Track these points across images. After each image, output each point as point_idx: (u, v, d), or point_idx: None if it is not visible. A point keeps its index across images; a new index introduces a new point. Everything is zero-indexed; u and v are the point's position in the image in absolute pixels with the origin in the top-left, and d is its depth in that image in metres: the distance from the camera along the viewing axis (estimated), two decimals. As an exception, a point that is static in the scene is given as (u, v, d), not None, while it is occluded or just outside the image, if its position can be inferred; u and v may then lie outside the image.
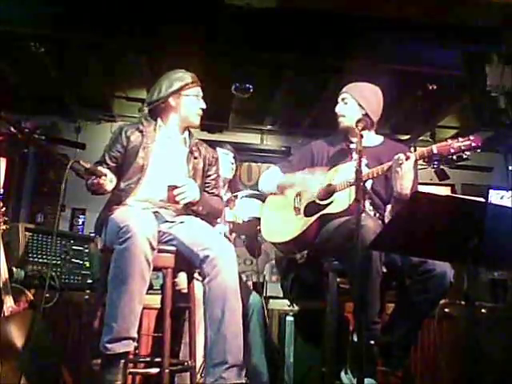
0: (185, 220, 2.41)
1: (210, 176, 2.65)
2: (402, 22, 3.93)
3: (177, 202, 2.35)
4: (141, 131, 2.50)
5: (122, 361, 2.05)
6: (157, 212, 2.40)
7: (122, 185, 2.41)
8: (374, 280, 2.22)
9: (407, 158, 2.34)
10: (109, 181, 2.28)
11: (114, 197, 2.43)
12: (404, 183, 2.34)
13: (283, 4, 3.74)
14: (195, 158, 2.57)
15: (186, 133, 2.62)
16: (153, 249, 2.12)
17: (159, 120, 2.57)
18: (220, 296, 2.10)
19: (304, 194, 2.71)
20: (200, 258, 2.17)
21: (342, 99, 2.74)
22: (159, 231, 2.29)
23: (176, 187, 2.34)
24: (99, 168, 2.28)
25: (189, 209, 2.45)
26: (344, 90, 2.77)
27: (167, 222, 2.41)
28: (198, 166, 2.57)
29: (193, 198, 2.39)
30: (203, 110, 2.59)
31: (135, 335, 2.10)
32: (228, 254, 2.19)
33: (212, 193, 2.64)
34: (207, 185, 2.63)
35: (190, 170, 2.53)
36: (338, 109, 2.74)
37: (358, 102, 2.70)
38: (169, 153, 2.53)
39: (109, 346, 2.04)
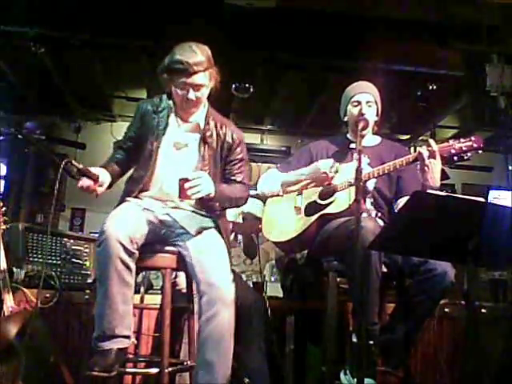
0: (203, 235, 2.24)
1: (230, 162, 2.39)
2: (401, 22, 3.93)
3: (189, 197, 2.14)
4: (154, 112, 2.35)
5: (113, 353, 2.06)
6: (167, 214, 2.30)
7: (135, 174, 2.34)
8: (372, 280, 2.22)
9: (433, 152, 2.34)
10: (99, 186, 2.21)
11: (126, 187, 2.35)
12: (435, 176, 2.34)
13: (283, 4, 3.74)
14: (210, 143, 2.33)
15: (201, 115, 2.36)
16: (127, 251, 2.08)
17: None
18: (214, 339, 2.06)
19: (305, 193, 2.71)
20: (200, 287, 2.12)
21: (367, 102, 2.63)
22: (172, 231, 2.26)
23: (187, 180, 2.12)
24: (93, 170, 2.21)
25: (204, 205, 2.30)
26: (366, 90, 2.67)
27: (183, 229, 2.25)
28: (214, 153, 2.34)
29: (206, 192, 2.16)
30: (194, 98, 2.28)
31: (126, 333, 2.10)
32: (228, 296, 2.10)
33: (233, 180, 2.39)
34: (227, 171, 2.39)
35: (200, 159, 2.32)
36: (365, 111, 2.61)
37: (377, 103, 2.68)
38: (181, 140, 2.35)
39: (98, 342, 2.08)
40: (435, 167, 2.34)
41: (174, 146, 2.34)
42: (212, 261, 2.16)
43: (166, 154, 2.32)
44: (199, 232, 2.23)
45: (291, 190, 2.75)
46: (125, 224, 2.12)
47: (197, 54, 2.19)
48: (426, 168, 2.34)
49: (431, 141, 2.40)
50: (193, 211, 2.33)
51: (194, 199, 2.20)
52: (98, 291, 2.10)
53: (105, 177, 2.27)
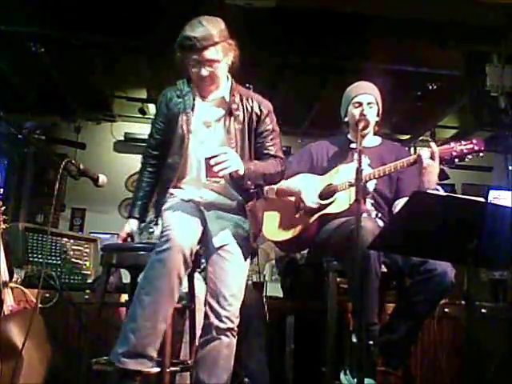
0: (226, 252, 2.16)
1: (261, 134, 2.24)
2: (401, 21, 3.93)
3: (216, 175, 2.01)
4: (178, 96, 2.25)
5: (136, 381, 1.95)
6: (200, 209, 2.21)
7: (170, 160, 2.22)
8: (372, 281, 2.22)
9: (432, 154, 2.35)
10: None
11: (164, 174, 2.26)
12: (432, 178, 2.36)
13: (283, 4, 3.74)
14: (237, 116, 2.21)
15: (224, 90, 2.24)
16: (187, 265, 1.98)
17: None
18: (206, 363, 2.07)
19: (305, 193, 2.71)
20: (206, 307, 2.11)
21: (368, 103, 2.62)
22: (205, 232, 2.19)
23: (213, 158, 2.01)
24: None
25: (236, 183, 2.17)
26: (367, 91, 2.65)
27: (210, 234, 2.18)
28: (241, 127, 2.21)
29: (234, 168, 2.03)
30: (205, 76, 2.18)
31: (153, 354, 1.95)
32: (228, 325, 2.08)
33: (266, 154, 2.25)
34: (259, 145, 2.25)
35: (225, 134, 2.19)
36: (366, 113, 2.61)
37: (378, 104, 2.67)
38: (209, 118, 2.24)
39: (122, 359, 1.91)
40: (433, 169, 2.35)
41: (204, 124, 2.24)
42: (223, 289, 2.11)
43: (197, 135, 2.22)
44: (221, 246, 2.16)
45: (286, 198, 2.74)
46: (191, 235, 2.04)
47: (205, 28, 2.08)
48: (423, 170, 2.35)
49: (432, 143, 2.40)
50: (223, 208, 2.24)
51: (222, 176, 2.05)
52: (138, 302, 1.95)
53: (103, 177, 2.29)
